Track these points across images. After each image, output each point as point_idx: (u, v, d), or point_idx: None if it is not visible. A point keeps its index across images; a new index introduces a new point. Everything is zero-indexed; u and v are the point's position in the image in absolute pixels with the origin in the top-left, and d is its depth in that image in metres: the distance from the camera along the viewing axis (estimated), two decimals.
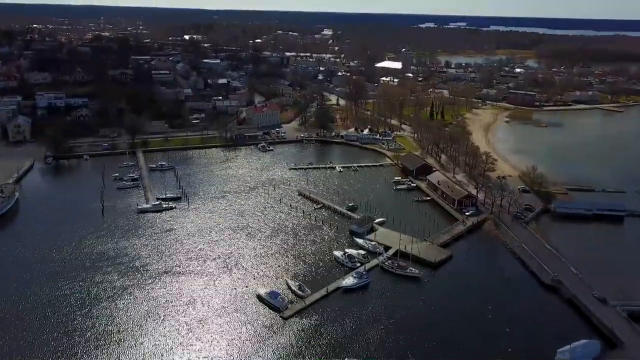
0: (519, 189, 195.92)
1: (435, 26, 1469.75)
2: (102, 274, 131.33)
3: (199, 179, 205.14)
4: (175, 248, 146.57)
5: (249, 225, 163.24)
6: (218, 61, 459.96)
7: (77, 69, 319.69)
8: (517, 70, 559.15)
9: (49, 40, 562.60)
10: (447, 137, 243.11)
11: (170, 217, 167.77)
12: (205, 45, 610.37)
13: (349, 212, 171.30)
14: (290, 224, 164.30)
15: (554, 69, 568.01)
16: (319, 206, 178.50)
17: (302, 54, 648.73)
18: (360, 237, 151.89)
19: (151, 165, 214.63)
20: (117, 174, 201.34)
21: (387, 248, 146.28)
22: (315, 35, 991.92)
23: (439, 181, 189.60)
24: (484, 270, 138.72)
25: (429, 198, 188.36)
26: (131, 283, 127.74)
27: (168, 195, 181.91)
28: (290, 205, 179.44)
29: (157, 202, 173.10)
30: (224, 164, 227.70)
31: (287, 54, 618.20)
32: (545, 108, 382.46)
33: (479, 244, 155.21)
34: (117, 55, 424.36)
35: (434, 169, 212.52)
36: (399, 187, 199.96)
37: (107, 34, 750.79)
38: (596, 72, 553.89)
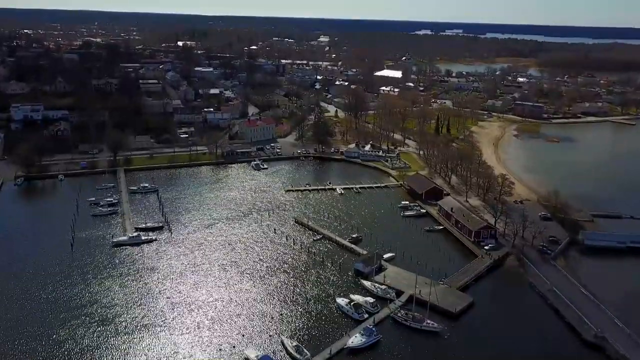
0: (539, 215, 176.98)
1: (432, 33, 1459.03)
2: (68, 329, 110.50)
3: (185, 203, 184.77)
4: (155, 292, 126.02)
5: (241, 261, 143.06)
6: (211, 69, 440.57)
7: (57, 79, 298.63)
8: (520, 79, 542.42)
9: (35, 46, 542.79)
10: (456, 155, 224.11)
11: (150, 251, 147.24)
12: (199, 52, 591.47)
13: (352, 246, 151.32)
14: (288, 260, 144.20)
15: (558, 79, 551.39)
16: (318, 237, 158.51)
17: (298, 62, 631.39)
18: (367, 279, 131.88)
19: (132, 188, 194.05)
20: (94, 198, 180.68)
21: (398, 293, 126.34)
22: (312, 42, 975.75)
23: (452, 208, 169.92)
24: (513, 322, 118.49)
25: (441, 227, 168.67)
26: (101, 341, 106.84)
27: (148, 224, 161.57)
28: (287, 236, 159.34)
29: (135, 234, 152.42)
30: (213, 185, 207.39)
31: (283, 61, 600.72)
32: (553, 121, 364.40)
33: (502, 286, 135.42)
34: (105, 63, 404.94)
35: (445, 192, 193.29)
36: (406, 213, 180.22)
37: (98, 40, 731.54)
38: (602, 81, 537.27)
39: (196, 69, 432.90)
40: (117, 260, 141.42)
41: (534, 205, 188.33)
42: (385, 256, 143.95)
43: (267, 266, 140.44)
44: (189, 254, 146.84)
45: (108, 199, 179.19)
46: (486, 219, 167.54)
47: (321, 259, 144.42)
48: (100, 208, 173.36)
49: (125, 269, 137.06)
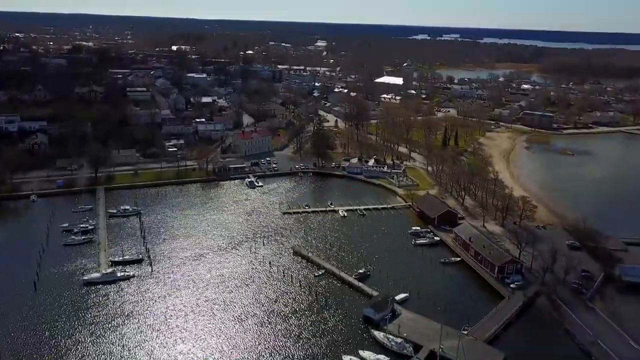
0: (567, 244, 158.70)
1: (430, 38, 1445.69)
2: None
3: (170, 229, 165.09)
4: (133, 346, 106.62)
5: (233, 304, 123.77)
6: (204, 75, 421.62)
7: (37, 86, 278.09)
8: (525, 86, 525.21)
9: (23, 50, 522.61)
10: (468, 172, 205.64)
11: (128, 291, 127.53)
12: (193, 57, 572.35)
13: (359, 284, 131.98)
14: (287, 301, 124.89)
15: (564, 85, 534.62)
16: (320, 272, 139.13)
17: (295, 67, 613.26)
18: (378, 328, 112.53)
19: (111, 211, 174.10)
20: (67, 224, 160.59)
21: (417, 347, 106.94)
22: (309, 47, 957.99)
23: (470, 237, 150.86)
24: None
25: (458, 259, 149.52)
26: None
27: (126, 257, 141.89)
28: (284, 271, 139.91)
29: (110, 270, 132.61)
30: (203, 206, 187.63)
31: (280, 66, 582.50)
32: (564, 131, 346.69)
33: (536, 336, 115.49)
34: (94, 68, 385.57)
35: (460, 216, 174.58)
36: (418, 241, 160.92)
37: (90, 44, 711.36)
38: (608, 88, 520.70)
39: (189, 75, 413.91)
40: (89, 303, 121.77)
41: (558, 231, 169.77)
42: (398, 297, 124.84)
43: (263, 310, 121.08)
44: (174, 293, 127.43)
45: (83, 225, 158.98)
46: (508, 249, 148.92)
47: (324, 302, 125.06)
48: (73, 236, 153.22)
49: (97, 315, 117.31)
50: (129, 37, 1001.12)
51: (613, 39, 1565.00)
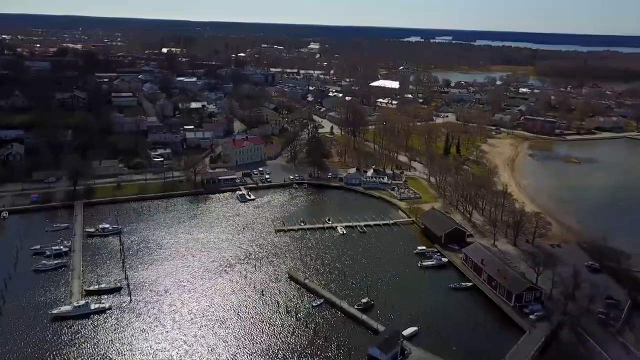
0: (585, 265, 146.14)
1: (423, 40, 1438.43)
2: None
3: (153, 251, 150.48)
4: None
5: (224, 341, 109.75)
6: (194, 79, 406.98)
7: (14, 92, 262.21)
8: (523, 90, 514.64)
9: (7, 53, 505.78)
10: (473, 183, 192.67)
11: (104, 327, 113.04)
12: (183, 60, 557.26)
13: (363, 316, 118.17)
14: (284, 339, 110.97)
15: (562, 89, 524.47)
16: (319, 302, 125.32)
17: (288, 70, 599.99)
18: None
19: (89, 230, 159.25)
20: (39, 246, 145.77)
21: None
22: (302, 49, 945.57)
23: (482, 260, 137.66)
24: None
25: (470, 284, 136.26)
26: None
27: (102, 285, 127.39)
28: (278, 300, 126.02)
29: (83, 303, 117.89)
30: (190, 224, 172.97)
31: (272, 69, 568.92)
32: (567, 137, 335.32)
33: None
34: (79, 72, 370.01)
35: (469, 234, 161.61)
36: (424, 262, 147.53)
37: (78, 46, 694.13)
38: (608, 92, 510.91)
39: (178, 78, 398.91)
40: (58, 342, 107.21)
41: (574, 250, 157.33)
42: (407, 332, 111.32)
43: (258, 349, 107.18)
44: (157, 329, 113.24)
45: (56, 247, 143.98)
46: (523, 272, 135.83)
47: (324, 338, 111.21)
48: (45, 260, 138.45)
49: (67, 356, 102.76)
50: (118, 39, 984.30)
51: (607, 41, 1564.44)
